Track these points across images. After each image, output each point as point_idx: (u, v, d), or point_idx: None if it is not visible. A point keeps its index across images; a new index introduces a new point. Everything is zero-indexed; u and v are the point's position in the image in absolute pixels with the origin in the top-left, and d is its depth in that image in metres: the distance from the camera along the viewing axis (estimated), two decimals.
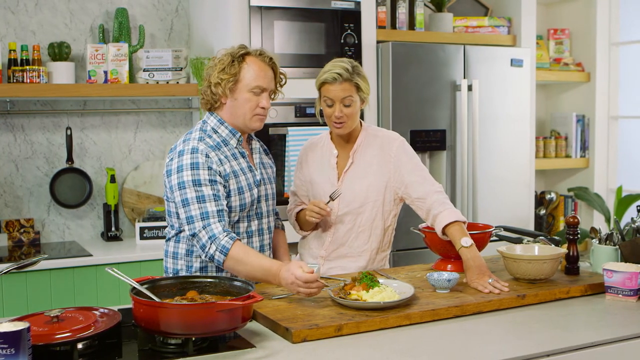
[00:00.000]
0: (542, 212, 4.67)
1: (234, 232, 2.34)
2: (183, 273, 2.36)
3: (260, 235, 2.43)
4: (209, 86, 2.36)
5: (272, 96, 2.42)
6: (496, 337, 1.91)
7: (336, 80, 2.49)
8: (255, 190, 2.38)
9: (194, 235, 2.22)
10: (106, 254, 3.39)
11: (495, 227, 2.67)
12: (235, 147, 2.37)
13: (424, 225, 2.63)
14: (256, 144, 2.49)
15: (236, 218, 2.34)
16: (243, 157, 2.39)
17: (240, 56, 2.32)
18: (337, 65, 2.52)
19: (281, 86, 2.44)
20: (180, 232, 2.36)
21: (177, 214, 2.31)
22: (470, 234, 2.42)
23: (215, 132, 2.36)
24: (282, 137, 3.54)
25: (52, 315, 1.77)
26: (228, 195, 2.30)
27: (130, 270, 3.27)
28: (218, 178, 2.27)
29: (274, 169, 2.59)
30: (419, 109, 3.83)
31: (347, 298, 2.06)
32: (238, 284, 1.95)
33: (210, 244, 2.19)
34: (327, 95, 2.52)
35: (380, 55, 3.80)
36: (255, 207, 2.40)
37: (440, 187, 2.56)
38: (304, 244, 2.75)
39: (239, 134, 2.38)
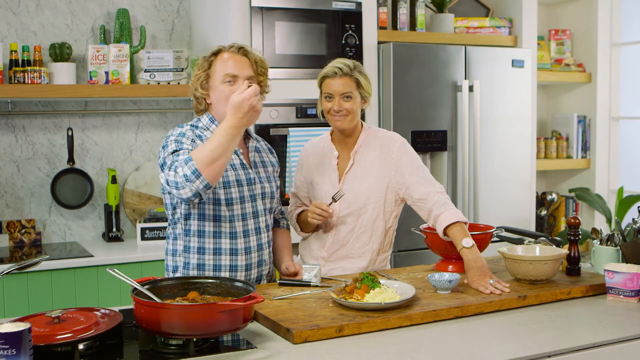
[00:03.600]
0: (543, 212, 4.67)
1: (231, 232, 2.35)
2: (181, 269, 2.38)
3: (258, 234, 2.42)
4: (193, 91, 2.42)
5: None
6: (497, 338, 1.91)
7: (336, 74, 2.53)
8: (245, 188, 2.38)
9: (169, 182, 2.15)
10: (107, 254, 3.39)
11: (497, 227, 2.67)
12: None
13: (425, 226, 2.62)
14: (253, 143, 2.50)
15: (227, 213, 2.34)
16: (235, 154, 2.40)
17: (212, 54, 2.41)
18: (338, 62, 2.58)
19: (264, 75, 2.43)
20: (176, 223, 2.39)
21: (172, 204, 2.36)
22: (471, 234, 2.42)
23: (207, 129, 2.39)
24: (283, 138, 3.54)
25: (53, 315, 1.77)
26: (215, 189, 2.31)
27: (131, 270, 3.27)
28: None
29: (276, 168, 2.58)
30: (420, 109, 3.83)
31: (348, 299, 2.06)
32: (239, 284, 1.95)
33: (177, 170, 2.11)
34: (327, 90, 2.55)
35: (381, 56, 3.81)
36: (250, 205, 2.40)
37: (441, 188, 2.56)
38: (305, 245, 2.75)
39: None
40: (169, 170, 2.16)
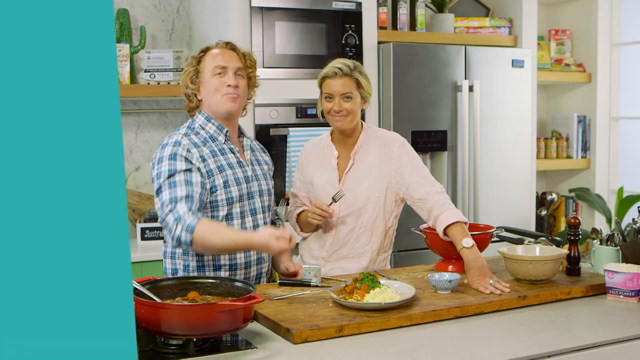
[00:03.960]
0: (543, 212, 4.67)
1: None
2: (181, 272, 2.37)
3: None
4: (184, 89, 2.45)
5: (249, 82, 2.45)
6: (497, 338, 1.91)
7: (336, 74, 2.53)
8: (244, 186, 2.38)
9: (162, 221, 2.23)
10: None
11: (497, 227, 2.67)
12: (224, 143, 2.39)
13: (425, 226, 2.62)
14: (247, 141, 2.50)
15: (225, 212, 2.34)
16: (232, 152, 2.40)
17: (201, 52, 2.44)
18: (338, 62, 2.58)
19: (252, 67, 2.46)
20: None
21: None
22: (471, 234, 2.42)
23: (203, 128, 2.40)
24: (283, 138, 3.54)
25: None
26: (214, 191, 2.31)
27: (132, 270, 3.26)
28: (194, 169, 2.29)
29: (270, 166, 2.59)
30: (420, 109, 3.83)
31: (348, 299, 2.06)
32: (239, 284, 1.95)
33: (176, 225, 2.17)
34: (327, 90, 2.55)
35: (381, 56, 3.81)
36: (248, 202, 2.40)
37: (441, 188, 2.56)
38: (305, 245, 2.75)
39: (226, 129, 2.40)
40: (170, 212, 2.20)
